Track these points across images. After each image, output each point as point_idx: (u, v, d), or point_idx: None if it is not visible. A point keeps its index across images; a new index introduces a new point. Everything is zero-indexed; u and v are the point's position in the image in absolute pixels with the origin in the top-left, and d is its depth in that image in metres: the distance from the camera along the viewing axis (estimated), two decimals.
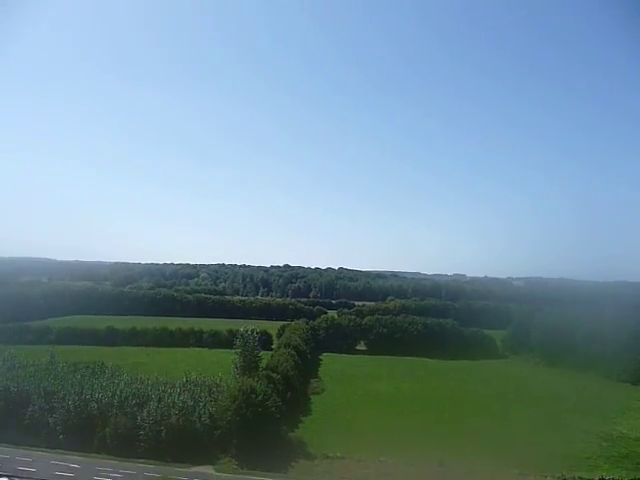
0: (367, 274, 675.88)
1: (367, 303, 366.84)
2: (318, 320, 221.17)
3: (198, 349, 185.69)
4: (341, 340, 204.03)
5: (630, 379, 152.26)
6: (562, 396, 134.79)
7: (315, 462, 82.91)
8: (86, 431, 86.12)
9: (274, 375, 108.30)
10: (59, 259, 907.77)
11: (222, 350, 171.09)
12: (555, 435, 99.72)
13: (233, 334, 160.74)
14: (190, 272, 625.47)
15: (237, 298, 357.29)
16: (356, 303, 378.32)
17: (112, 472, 76.10)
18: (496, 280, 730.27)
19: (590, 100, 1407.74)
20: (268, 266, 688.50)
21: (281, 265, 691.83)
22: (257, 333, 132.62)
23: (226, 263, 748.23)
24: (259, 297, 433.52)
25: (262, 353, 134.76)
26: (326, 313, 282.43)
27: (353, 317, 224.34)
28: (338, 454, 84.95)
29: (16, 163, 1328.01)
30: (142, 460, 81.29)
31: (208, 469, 79.82)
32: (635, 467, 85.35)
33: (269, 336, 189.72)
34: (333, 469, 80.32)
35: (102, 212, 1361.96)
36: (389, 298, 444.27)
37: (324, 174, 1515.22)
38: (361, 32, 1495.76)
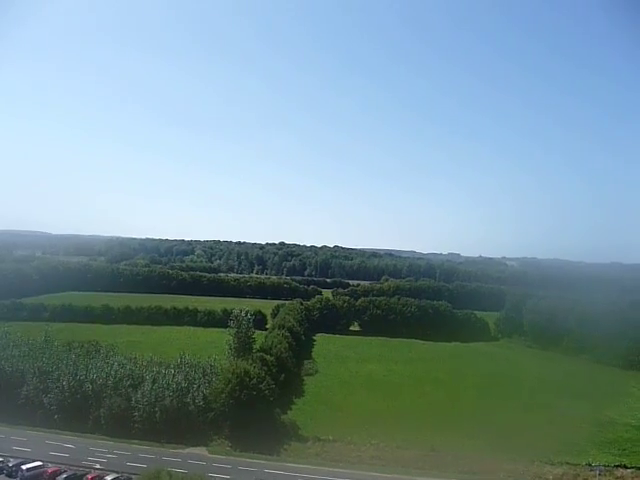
0: (362, 253, 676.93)
1: (362, 282, 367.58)
2: (313, 300, 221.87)
3: (192, 328, 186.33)
4: (335, 321, 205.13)
5: (621, 364, 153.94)
6: (553, 380, 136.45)
7: (307, 445, 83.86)
8: (81, 411, 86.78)
9: (268, 357, 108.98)
10: (54, 233, 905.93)
11: (216, 329, 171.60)
12: (544, 419, 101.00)
13: (228, 313, 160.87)
14: (185, 249, 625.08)
15: (232, 276, 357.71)
16: (351, 282, 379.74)
17: (107, 452, 76.88)
18: (490, 260, 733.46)
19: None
20: (263, 243, 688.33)
21: (276, 242, 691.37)
22: (251, 314, 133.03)
23: (221, 240, 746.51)
24: (254, 275, 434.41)
25: (256, 333, 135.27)
26: (321, 293, 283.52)
27: (347, 298, 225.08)
28: (330, 437, 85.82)
29: (13, 135, 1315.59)
30: (136, 441, 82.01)
31: (202, 450, 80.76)
32: (621, 452, 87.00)
33: (263, 316, 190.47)
34: (325, 452, 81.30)
35: (98, 186, 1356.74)
36: (384, 277, 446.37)
37: (322, 148, 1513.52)
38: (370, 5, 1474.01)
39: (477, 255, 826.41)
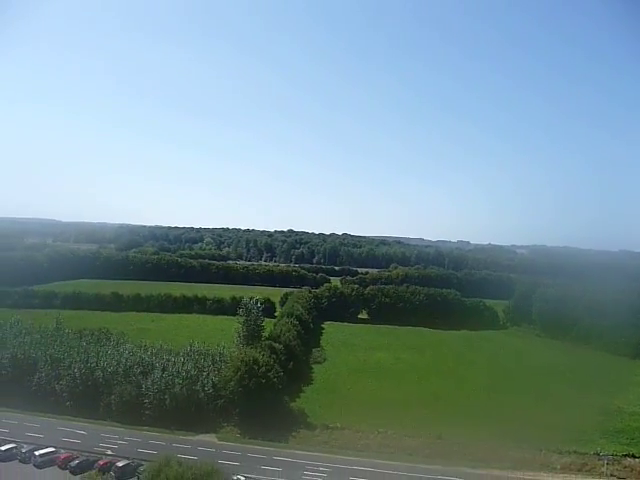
0: (371, 240, 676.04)
1: (370, 270, 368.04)
2: (321, 289, 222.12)
3: (202, 316, 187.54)
4: (344, 309, 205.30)
5: (629, 353, 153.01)
6: (561, 369, 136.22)
7: (315, 432, 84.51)
8: (92, 398, 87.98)
9: (276, 345, 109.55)
10: (64, 220, 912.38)
11: (225, 317, 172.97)
12: (552, 408, 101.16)
13: (237, 301, 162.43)
14: (194, 236, 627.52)
15: (241, 264, 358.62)
16: (359, 270, 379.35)
17: (118, 439, 77.99)
18: (500, 248, 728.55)
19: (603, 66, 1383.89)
20: (272, 231, 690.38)
21: (285, 230, 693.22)
22: (261, 303, 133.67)
23: (230, 227, 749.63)
24: (262, 263, 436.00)
25: (265, 321, 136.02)
26: (329, 281, 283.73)
27: (356, 286, 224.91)
28: (338, 425, 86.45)
29: (21, 123, 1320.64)
30: (146, 428, 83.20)
31: (211, 437, 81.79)
32: (629, 442, 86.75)
33: (272, 304, 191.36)
34: (333, 439, 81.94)
35: (108, 173, 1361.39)
36: (392, 265, 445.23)
37: (331, 136, 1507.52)
38: None
39: (486, 242, 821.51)
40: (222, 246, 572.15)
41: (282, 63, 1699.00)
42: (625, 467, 76.60)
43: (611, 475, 74.26)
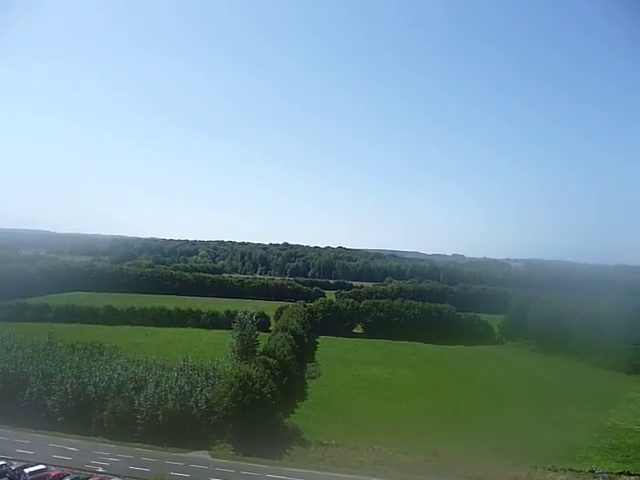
0: (365, 253, 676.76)
1: (365, 284, 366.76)
2: (316, 303, 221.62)
3: (196, 329, 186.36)
4: (338, 323, 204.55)
5: (624, 368, 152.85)
6: (557, 385, 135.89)
7: (310, 449, 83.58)
8: (84, 414, 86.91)
9: (271, 360, 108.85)
10: (58, 232, 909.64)
11: (220, 331, 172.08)
12: (548, 425, 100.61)
13: (231, 315, 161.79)
14: (189, 249, 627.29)
15: (235, 277, 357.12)
16: (354, 284, 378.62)
17: (109, 456, 76.92)
18: (495, 262, 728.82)
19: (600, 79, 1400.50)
20: (267, 244, 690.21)
21: (280, 243, 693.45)
22: (255, 317, 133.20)
23: (225, 240, 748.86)
24: (257, 276, 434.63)
25: (260, 335, 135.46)
26: (324, 294, 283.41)
27: (351, 300, 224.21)
28: (333, 441, 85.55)
29: (17, 133, 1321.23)
30: (139, 444, 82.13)
31: (204, 454, 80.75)
32: (624, 459, 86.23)
33: (267, 318, 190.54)
34: (327, 457, 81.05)
35: (102, 185, 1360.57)
36: (387, 279, 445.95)
37: (327, 148, 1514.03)
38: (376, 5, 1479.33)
39: (481, 256, 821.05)
40: (217, 259, 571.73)
41: (279, 76, 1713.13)
42: None
43: None
